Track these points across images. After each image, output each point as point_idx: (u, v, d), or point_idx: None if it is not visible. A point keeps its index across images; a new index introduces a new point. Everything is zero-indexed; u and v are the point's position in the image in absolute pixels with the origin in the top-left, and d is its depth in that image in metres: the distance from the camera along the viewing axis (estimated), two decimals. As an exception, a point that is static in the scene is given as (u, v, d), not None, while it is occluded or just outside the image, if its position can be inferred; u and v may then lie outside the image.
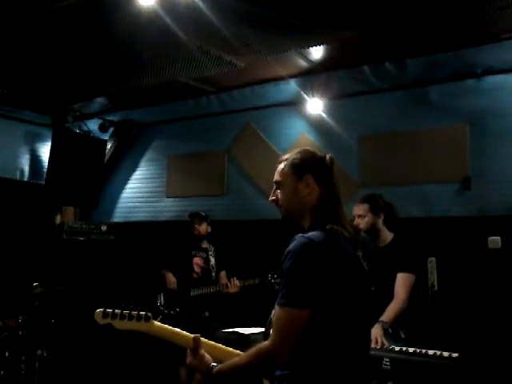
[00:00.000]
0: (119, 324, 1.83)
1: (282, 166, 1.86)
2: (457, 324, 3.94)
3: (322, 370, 1.63)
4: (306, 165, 1.81)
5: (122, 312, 1.83)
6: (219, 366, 1.76)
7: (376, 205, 3.34)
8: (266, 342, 1.64)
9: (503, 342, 3.74)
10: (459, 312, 4.01)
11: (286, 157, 1.88)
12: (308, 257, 1.61)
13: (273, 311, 1.72)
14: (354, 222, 3.24)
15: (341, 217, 1.79)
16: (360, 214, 3.31)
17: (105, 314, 1.82)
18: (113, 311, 1.83)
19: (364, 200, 3.35)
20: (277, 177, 1.87)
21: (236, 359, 1.73)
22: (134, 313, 1.84)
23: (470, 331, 3.90)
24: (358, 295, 1.73)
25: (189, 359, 1.84)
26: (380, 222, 3.33)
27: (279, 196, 1.86)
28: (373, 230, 3.30)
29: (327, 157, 1.83)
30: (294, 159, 1.84)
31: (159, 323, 1.87)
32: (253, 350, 1.68)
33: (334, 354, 1.65)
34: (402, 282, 3.18)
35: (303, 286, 1.59)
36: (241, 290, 4.41)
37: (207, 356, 1.81)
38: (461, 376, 2.45)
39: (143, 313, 1.84)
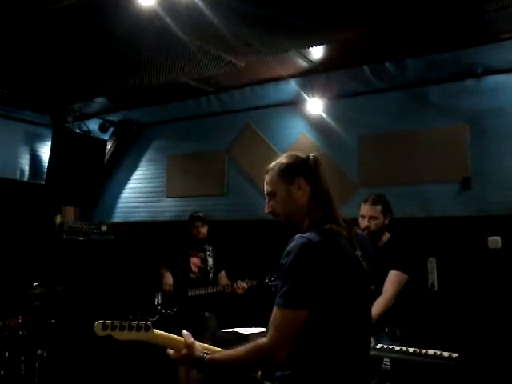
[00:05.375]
0: (119, 335, 1.81)
1: (268, 176, 1.88)
2: (457, 324, 3.94)
3: (322, 369, 1.63)
4: (294, 168, 1.83)
5: (121, 323, 1.81)
6: (212, 355, 1.75)
7: (387, 206, 3.32)
8: (264, 339, 1.64)
9: (503, 342, 3.74)
10: (459, 312, 4.02)
11: (270, 167, 1.89)
12: (306, 257, 1.61)
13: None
14: (365, 223, 3.21)
15: (337, 216, 1.79)
16: (372, 216, 3.24)
17: (104, 326, 1.80)
18: (112, 322, 1.80)
19: (377, 201, 3.27)
20: (267, 188, 1.89)
21: (231, 351, 1.71)
22: (134, 323, 1.81)
23: (470, 331, 3.90)
24: (358, 295, 1.73)
25: (176, 353, 1.80)
26: (386, 222, 3.32)
27: (274, 206, 1.87)
28: (379, 231, 3.29)
29: (311, 156, 1.85)
30: (280, 166, 1.86)
31: (159, 332, 1.84)
32: (250, 346, 1.67)
33: (334, 354, 1.65)
34: (391, 279, 3.15)
35: (301, 286, 1.60)
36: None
37: (197, 345, 1.79)
38: (461, 376, 2.45)
39: (143, 322, 1.81)
